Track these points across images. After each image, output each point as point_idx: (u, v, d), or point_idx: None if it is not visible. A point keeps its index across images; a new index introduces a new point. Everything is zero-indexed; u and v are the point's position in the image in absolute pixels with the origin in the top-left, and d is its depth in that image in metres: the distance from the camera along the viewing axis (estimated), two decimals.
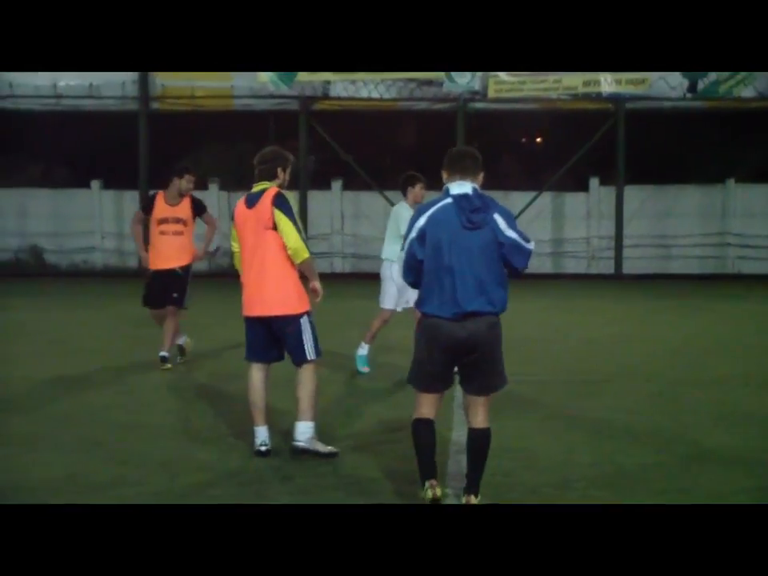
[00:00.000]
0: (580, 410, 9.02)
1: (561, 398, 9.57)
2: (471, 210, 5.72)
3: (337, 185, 24.96)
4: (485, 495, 5.89)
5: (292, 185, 26.62)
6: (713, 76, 23.51)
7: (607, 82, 23.67)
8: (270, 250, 7.26)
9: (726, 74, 23.35)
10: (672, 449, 7.57)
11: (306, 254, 7.29)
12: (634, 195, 24.29)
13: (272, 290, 7.28)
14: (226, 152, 25.79)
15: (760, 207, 24.22)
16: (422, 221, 5.82)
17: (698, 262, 24.42)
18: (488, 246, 5.75)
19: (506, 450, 7.13)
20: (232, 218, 7.56)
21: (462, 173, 5.87)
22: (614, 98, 23.87)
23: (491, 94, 24.01)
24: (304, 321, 7.34)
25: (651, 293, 20.55)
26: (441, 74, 23.62)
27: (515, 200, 23.89)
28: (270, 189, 7.34)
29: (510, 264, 5.84)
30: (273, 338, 7.40)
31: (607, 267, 24.28)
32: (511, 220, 5.88)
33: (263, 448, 7.33)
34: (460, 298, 5.71)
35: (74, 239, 25.36)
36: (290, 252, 7.24)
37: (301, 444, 7.34)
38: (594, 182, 24.54)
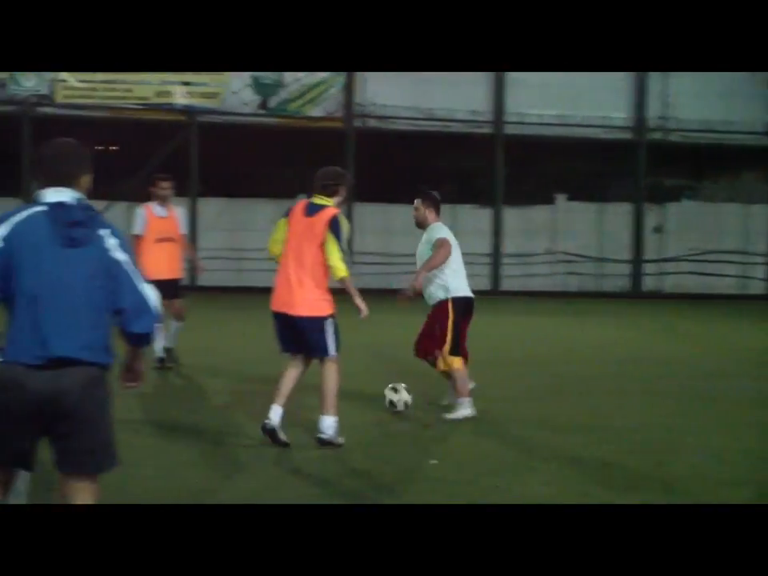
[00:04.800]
0: None
1: None
2: (69, 223, 4.72)
3: None
4: None
5: None
6: (284, 94, 25.39)
7: (180, 94, 24.89)
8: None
9: (296, 92, 25.36)
10: None
11: (344, 273, 8.46)
12: (209, 207, 25.59)
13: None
14: None
15: None
16: (1, 230, 4.69)
17: (268, 275, 25.98)
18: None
19: None
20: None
21: (57, 178, 4.85)
22: (188, 110, 25.08)
23: (59, 98, 24.55)
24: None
25: (226, 305, 21.83)
26: (4, 76, 23.74)
27: None
28: (330, 209, 8.54)
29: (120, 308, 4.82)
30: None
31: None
32: (128, 245, 4.94)
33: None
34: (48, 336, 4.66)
35: None
36: (330, 269, 8.46)
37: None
38: None
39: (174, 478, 7.50)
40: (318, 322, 8.49)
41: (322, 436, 8.53)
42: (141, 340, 4.90)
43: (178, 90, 25.06)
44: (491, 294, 26.44)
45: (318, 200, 8.65)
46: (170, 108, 25.25)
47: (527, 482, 7.69)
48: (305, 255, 8.47)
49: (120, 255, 4.79)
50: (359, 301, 8.62)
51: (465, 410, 10.14)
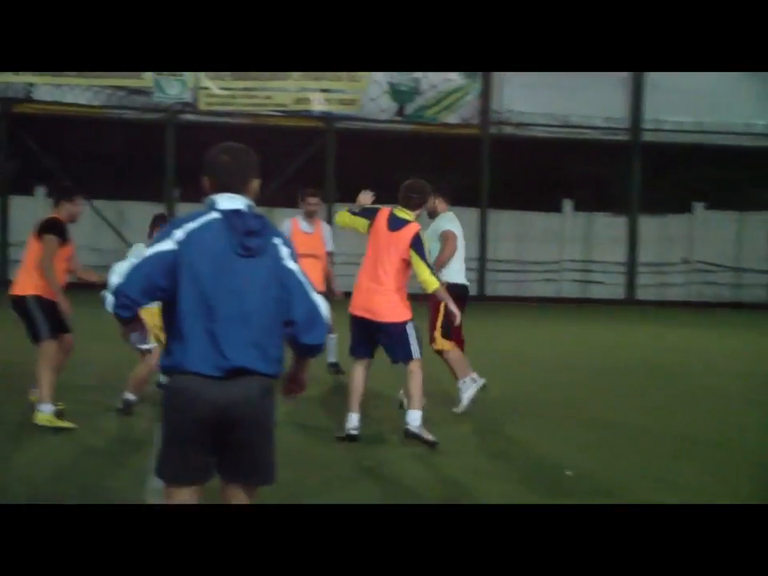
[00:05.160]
0: None
1: None
2: (245, 233, 4.64)
3: (41, 191, 25.22)
4: None
5: None
6: (420, 101, 25.65)
7: (318, 101, 25.36)
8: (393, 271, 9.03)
9: (432, 99, 25.59)
10: None
11: (436, 285, 8.94)
12: None
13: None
14: None
15: (463, 230, 26.43)
16: (177, 234, 4.64)
17: None
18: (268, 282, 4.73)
19: None
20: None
21: (230, 184, 4.76)
22: (325, 117, 25.54)
23: (202, 106, 25.20)
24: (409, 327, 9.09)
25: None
26: (150, 84, 24.52)
27: None
28: (413, 225, 8.97)
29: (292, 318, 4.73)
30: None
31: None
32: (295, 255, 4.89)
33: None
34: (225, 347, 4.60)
35: None
36: (421, 284, 8.97)
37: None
38: None
39: (303, 480, 7.75)
40: (400, 327, 8.99)
41: (409, 428, 9.02)
42: (311, 351, 4.84)
43: (316, 96, 25.52)
44: (626, 303, 26.33)
45: (401, 213, 9.12)
46: (308, 115, 25.74)
47: (663, 496, 7.73)
48: (386, 265, 8.95)
49: (293, 265, 4.75)
50: (453, 306, 9.15)
51: (469, 390, 10.45)
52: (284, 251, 4.74)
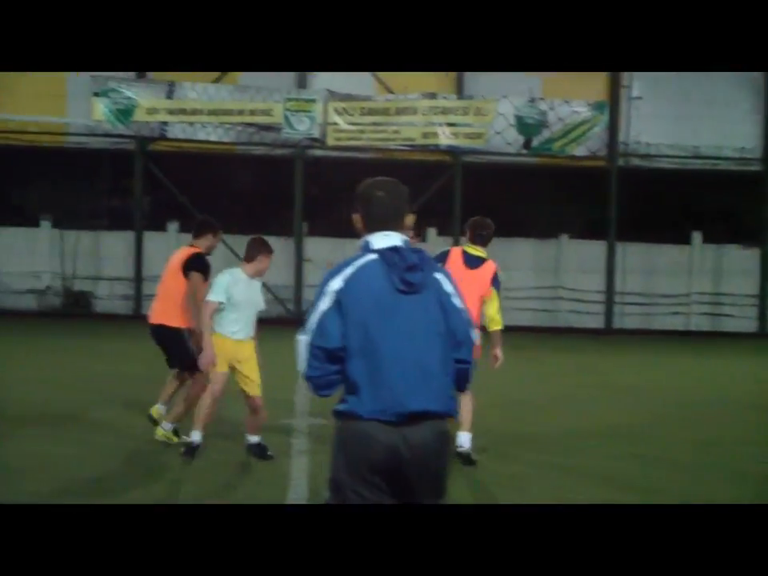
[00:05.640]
0: None
1: None
2: (406, 268, 4.49)
3: (173, 227, 25.89)
4: None
5: (126, 225, 26.74)
6: (547, 134, 25.58)
7: (445, 135, 25.51)
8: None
9: (559, 132, 25.51)
10: None
11: (500, 326, 9.39)
12: None
13: None
14: (58, 189, 26.37)
15: (591, 263, 26.39)
16: (335, 284, 4.49)
17: (532, 314, 26.32)
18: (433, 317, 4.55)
19: None
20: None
21: (386, 221, 4.63)
22: (452, 151, 25.69)
23: (330, 141, 25.52)
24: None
25: (486, 344, 22.04)
26: (280, 120, 24.98)
27: (353, 248, 25.33)
28: (490, 263, 9.43)
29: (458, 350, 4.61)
30: None
31: None
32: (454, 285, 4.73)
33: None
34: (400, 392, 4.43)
35: None
36: (487, 319, 9.38)
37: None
38: (431, 233, 26.23)
39: None
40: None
41: (461, 450, 9.35)
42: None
43: (443, 130, 25.66)
44: (758, 337, 25.81)
45: (474, 251, 9.60)
46: (436, 149, 25.91)
47: None
48: (466, 302, 9.00)
49: (458, 302, 4.60)
50: (500, 351, 9.47)
51: None
52: (448, 287, 4.59)
